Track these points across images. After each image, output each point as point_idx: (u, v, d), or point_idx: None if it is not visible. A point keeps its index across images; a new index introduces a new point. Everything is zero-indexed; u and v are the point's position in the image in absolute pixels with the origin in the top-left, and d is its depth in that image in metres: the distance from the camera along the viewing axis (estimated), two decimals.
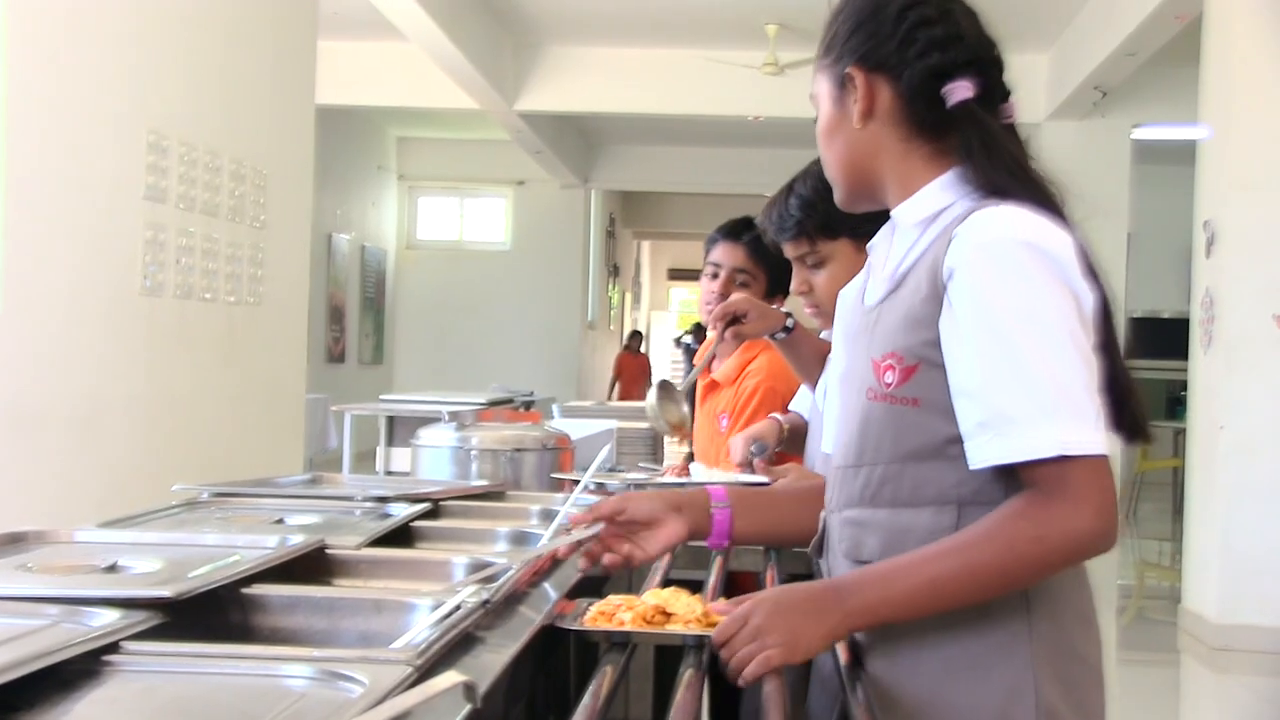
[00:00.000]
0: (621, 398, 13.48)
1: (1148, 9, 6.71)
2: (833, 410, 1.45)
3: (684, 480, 2.15)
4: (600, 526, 1.39)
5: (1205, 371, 5.90)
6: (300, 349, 4.55)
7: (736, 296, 2.35)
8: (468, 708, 0.88)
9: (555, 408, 7.58)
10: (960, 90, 1.27)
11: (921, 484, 1.22)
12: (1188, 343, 6.12)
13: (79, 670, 0.96)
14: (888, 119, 1.30)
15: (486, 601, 1.20)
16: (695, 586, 1.51)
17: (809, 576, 1.98)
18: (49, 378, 3.06)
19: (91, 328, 3.21)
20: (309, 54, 4.54)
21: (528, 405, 8.11)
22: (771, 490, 1.79)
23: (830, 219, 1.93)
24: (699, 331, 6.98)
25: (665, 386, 2.36)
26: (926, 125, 1.29)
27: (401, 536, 1.74)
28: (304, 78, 4.50)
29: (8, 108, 2.90)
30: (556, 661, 1.56)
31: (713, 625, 1.19)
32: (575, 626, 1.22)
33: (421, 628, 1.14)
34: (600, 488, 2.18)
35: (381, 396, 6.93)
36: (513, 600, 1.31)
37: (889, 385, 1.24)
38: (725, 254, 2.66)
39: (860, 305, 1.38)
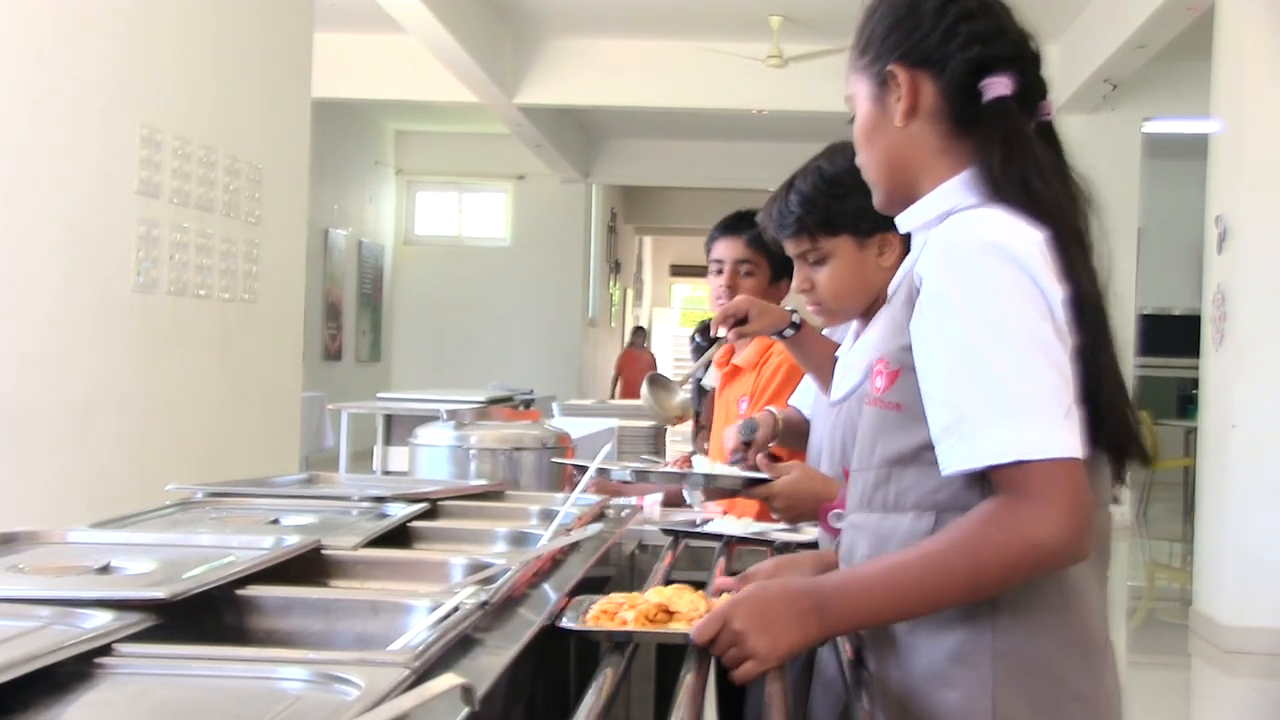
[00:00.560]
0: (624, 395, 13.48)
1: (1159, 0, 6.70)
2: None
3: (686, 471, 2.16)
4: (599, 526, 1.40)
5: (1217, 369, 5.89)
6: (296, 346, 4.55)
7: (737, 298, 2.36)
8: (466, 711, 0.88)
9: (555, 406, 7.57)
10: (998, 86, 1.26)
11: (904, 489, 1.24)
12: (1199, 340, 6.11)
13: (71, 673, 0.97)
14: (929, 117, 1.29)
15: (485, 603, 1.20)
16: (698, 586, 1.51)
17: None
18: (40, 376, 3.06)
19: (83, 325, 3.21)
20: (305, 46, 4.54)
21: (527, 403, 8.11)
22: None
23: (831, 215, 1.93)
24: (706, 329, 6.98)
25: (656, 379, 2.46)
26: (962, 122, 1.28)
27: (399, 537, 1.74)
28: (300, 70, 4.49)
29: None
30: (556, 663, 1.56)
31: None
32: (577, 626, 1.22)
33: (419, 629, 1.14)
34: (603, 475, 2.18)
35: (379, 395, 6.92)
36: (512, 602, 1.31)
37: (878, 390, 1.27)
38: (725, 249, 2.72)
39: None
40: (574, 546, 1.63)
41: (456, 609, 1.17)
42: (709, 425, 3.01)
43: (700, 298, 22.25)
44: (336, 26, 8.50)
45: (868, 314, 1.98)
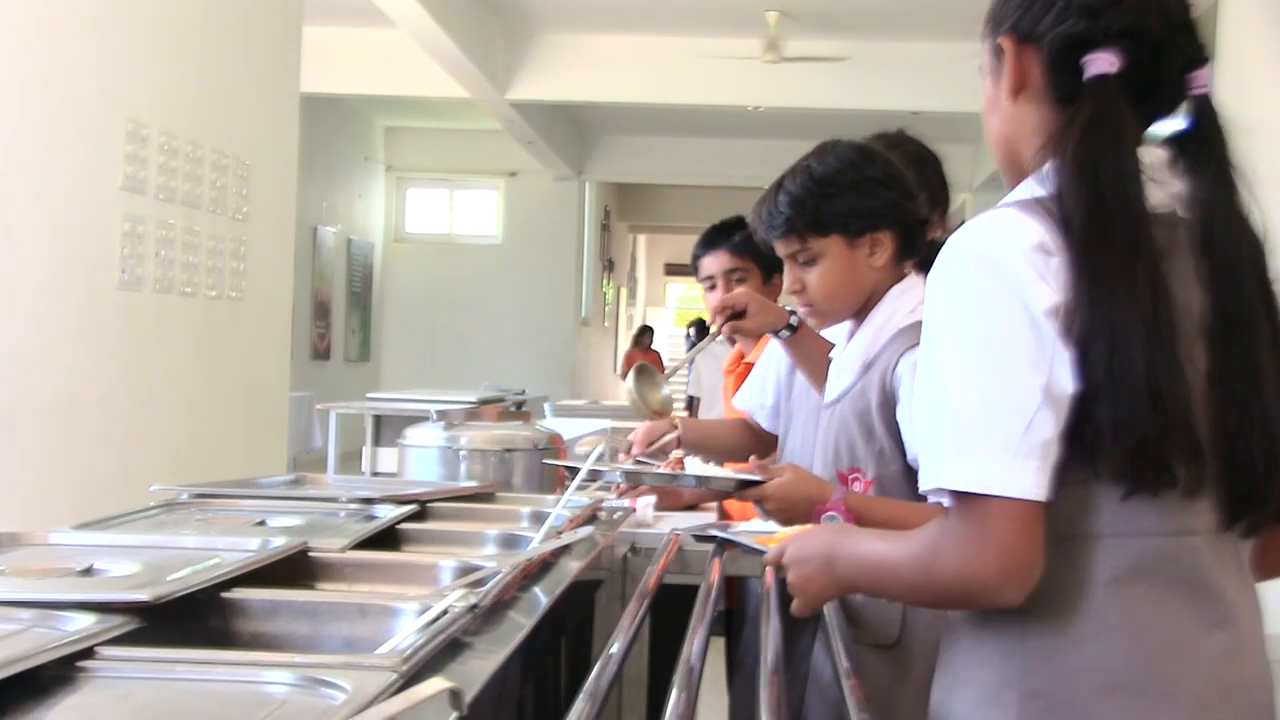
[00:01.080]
0: None
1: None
2: None
3: (678, 473, 2.16)
4: (591, 529, 1.40)
5: None
6: (284, 345, 4.55)
7: (738, 291, 2.36)
8: (454, 715, 0.88)
9: (547, 407, 7.58)
10: (1098, 63, 1.16)
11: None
12: None
13: (52, 676, 0.97)
14: (1034, 95, 1.22)
15: (475, 606, 1.20)
16: (690, 593, 1.52)
17: None
18: (22, 374, 3.05)
19: (67, 323, 3.20)
20: (294, 40, 4.53)
21: (519, 404, 8.11)
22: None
23: (820, 216, 1.93)
24: (701, 327, 6.99)
25: (644, 370, 2.50)
26: (1063, 103, 1.19)
27: (387, 539, 1.74)
28: (288, 65, 4.49)
29: None
30: (547, 668, 1.56)
31: None
32: None
33: (407, 633, 1.14)
34: (596, 476, 2.18)
35: (368, 395, 6.94)
36: (502, 605, 1.31)
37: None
38: (713, 263, 2.82)
39: None
40: (565, 549, 1.63)
41: (445, 612, 1.17)
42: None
43: (695, 297, 22.26)
44: (325, 20, 8.49)
45: (860, 314, 1.98)
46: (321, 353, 11.90)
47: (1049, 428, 1.06)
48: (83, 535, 1.53)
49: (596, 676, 1.14)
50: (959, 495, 1.08)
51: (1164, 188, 1.18)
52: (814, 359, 2.15)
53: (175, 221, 3.60)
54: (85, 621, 1.05)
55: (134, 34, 3.45)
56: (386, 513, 1.81)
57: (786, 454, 2.23)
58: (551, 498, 2.19)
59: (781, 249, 2.00)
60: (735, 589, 2.43)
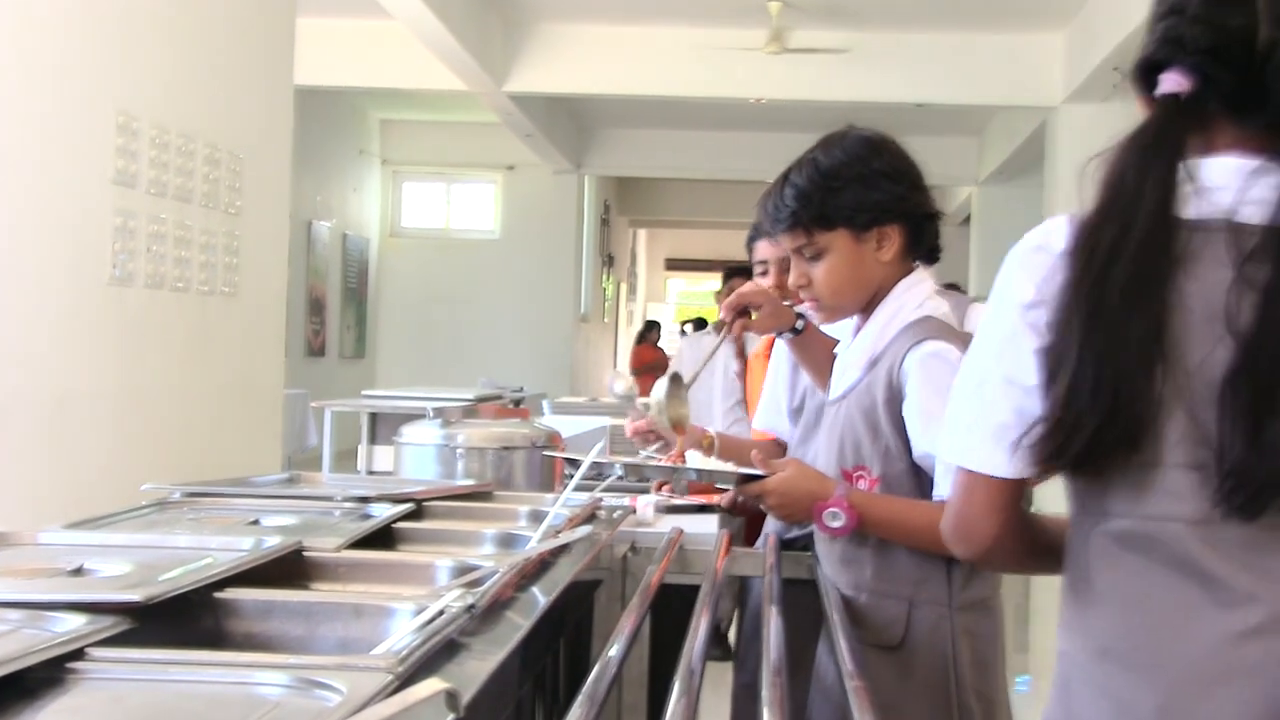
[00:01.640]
0: (641, 392, 13.42)
1: None
2: None
3: (678, 466, 2.16)
4: (590, 528, 1.40)
5: None
6: (278, 342, 4.54)
7: (751, 287, 2.33)
8: (451, 717, 0.88)
9: (546, 404, 7.58)
10: (1167, 82, 1.18)
11: None
12: None
13: (43, 678, 0.97)
14: (1143, 108, 1.25)
15: (471, 606, 1.20)
16: (691, 593, 1.52)
17: (809, 580, 1.99)
18: (11, 372, 3.05)
19: (57, 319, 3.20)
20: (287, 32, 4.53)
21: (517, 401, 8.11)
22: None
23: (826, 210, 1.92)
24: (699, 326, 6.99)
25: (677, 380, 2.29)
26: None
27: (383, 538, 1.74)
28: (282, 57, 4.49)
29: None
30: (545, 669, 1.56)
31: None
32: None
33: (403, 634, 1.14)
34: (597, 473, 2.18)
35: (363, 392, 6.91)
36: (499, 605, 1.31)
37: None
38: (768, 248, 2.71)
39: None
40: (564, 549, 1.63)
41: (442, 613, 1.17)
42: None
43: (695, 293, 22.27)
44: (319, 11, 8.49)
45: (867, 310, 1.98)
46: (316, 349, 11.90)
47: (1004, 412, 1.21)
48: (73, 535, 1.53)
49: (596, 678, 1.14)
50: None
51: (1226, 195, 1.16)
52: (817, 357, 2.15)
53: (167, 216, 3.60)
54: (76, 622, 1.05)
55: (124, 25, 3.45)
56: (382, 512, 1.81)
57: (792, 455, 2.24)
58: (550, 496, 2.19)
59: (787, 243, 1.99)
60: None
